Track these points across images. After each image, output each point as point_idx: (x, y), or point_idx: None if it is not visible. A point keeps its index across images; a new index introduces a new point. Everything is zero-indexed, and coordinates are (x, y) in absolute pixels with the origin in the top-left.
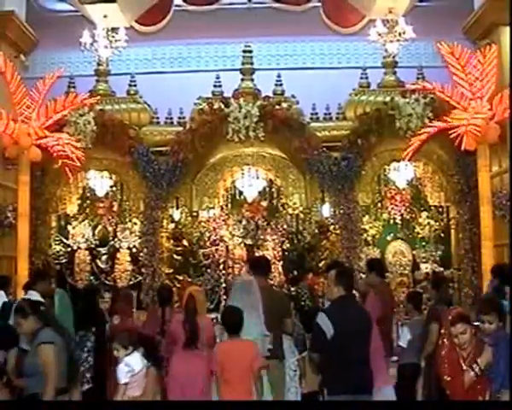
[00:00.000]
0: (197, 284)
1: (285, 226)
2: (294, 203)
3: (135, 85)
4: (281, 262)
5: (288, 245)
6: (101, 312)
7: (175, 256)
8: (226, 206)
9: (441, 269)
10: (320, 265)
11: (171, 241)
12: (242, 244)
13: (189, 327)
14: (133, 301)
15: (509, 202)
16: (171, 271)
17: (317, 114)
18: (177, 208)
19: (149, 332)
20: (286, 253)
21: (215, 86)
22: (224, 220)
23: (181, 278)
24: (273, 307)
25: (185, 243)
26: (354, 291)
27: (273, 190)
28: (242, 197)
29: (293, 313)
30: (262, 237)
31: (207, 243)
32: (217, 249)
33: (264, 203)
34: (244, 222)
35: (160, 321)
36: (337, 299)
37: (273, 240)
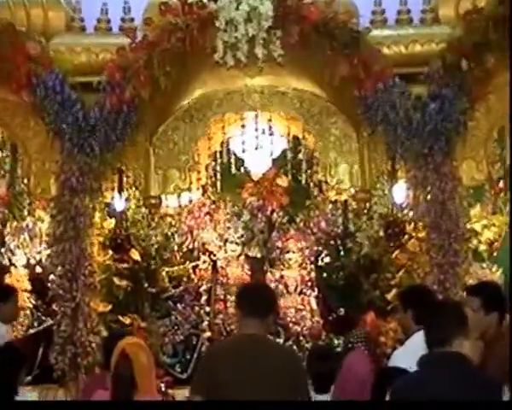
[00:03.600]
0: (156, 332)
1: (322, 225)
2: (340, 182)
3: None
4: (314, 292)
5: (327, 259)
6: None
7: (116, 281)
8: (213, 187)
9: None
10: (389, 296)
11: (110, 251)
12: (243, 258)
13: None
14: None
15: None
16: (110, 307)
17: (383, 13)
18: (121, 191)
19: None
20: (324, 274)
21: None
22: (208, 214)
23: (127, 320)
24: (273, 379)
25: (135, 254)
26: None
27: (300, 156)
28: (243, 171)
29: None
30: (279, 244)
31: (177, 256)
32: (195, 267)
33: (284, 182)
34: (246, 217)
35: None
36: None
37: (300, 250)
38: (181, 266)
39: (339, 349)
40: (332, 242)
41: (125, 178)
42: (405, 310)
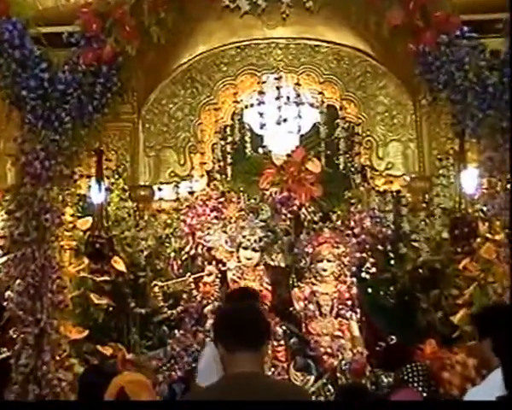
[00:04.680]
0: (147, 367)
1: (367, 224)
2: (390, 166)
3: None
4: (355, 314)
5: (373, 270)
6: None
7: (94, 299)
8: (222, 174)
9: None
10: (455, 318)
11: (86, 260)
12: (261, 268)
13: None
14: None
15: None
16: (85, 334)
17: None
18: (101, 180)
19: None
20: (369, 290)
21: None
22: (215, 209)
23: (108, 351)
24: None
25: (119, 264)
26: None
27: (337, 133)
28: (261, 153)
29: None
30: (310, 249)
31: (175, 266)
32: (198, 280)
33: (316, 167)
34: (265, 214)
35: None
36: None
37: (337, 258)
38: (179, 280)
39: (388, 390)
40: (380, 246)
41: (105, 163)
42: (481, 338)
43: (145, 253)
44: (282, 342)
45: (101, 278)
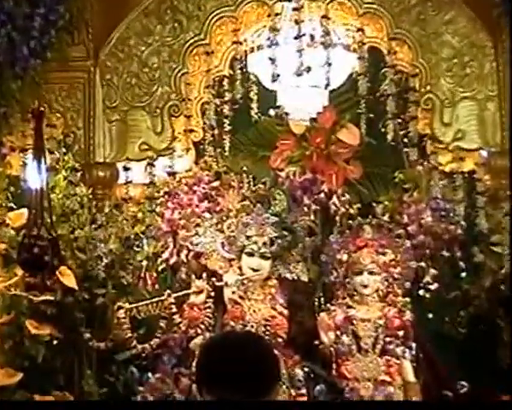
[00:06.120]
0: None
1: (427, 219)
2: (460, 136)
3: None
4: (410, 349)
5: (434, 286)
6: None
7: (31, 327)
8: (216, 147)
9: None
10: None
11: (18, 271)
12: (274, 283)
13: None
14: None
15: None
16: (19, 378)
17: None
18: (40, 155)
19: None
20: (429, 315)
21: None
22: (207, 198)
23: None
24: None
25: (68, 276)
26: None
27: (385, 87)
28: (274, 116)
29: None
30: (344, 256)
31: (148, 280)
32: (182, 301)
33: (352, 137)
34: (280, 204)
35: None
36: None
37: (384, 268)
38: (154, 300)
39: None
40: (445, 252)
41: (47, 131)
42: None
43: (105, 261)
44: (304, 391)
45: (42, 298)
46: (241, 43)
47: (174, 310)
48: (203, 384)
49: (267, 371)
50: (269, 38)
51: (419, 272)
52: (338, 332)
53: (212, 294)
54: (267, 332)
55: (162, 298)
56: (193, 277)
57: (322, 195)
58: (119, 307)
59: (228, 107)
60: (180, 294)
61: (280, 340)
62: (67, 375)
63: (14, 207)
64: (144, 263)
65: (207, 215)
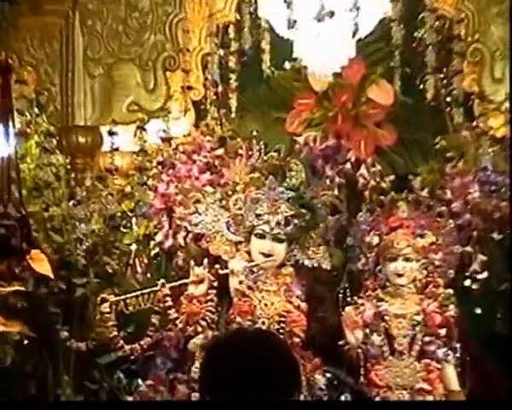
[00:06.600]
0: None
1: (474, 195)
2: None
3: None
4: (454, 352)
5: (484, 276)
6: None
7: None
8: (220, 107)
9: None
10: None
11: None
12: (290, 271)
13: None
14: None
15: None
16: None
17: None
18: (8, 117)
19: None
20: (478, 310)
21: None
22: (209, 169)
23: None
24: None
25: (42, 262)
26: None
27: (424, 35)
28: (289, 70)
29: None
30: (375, 239)
31: (138, 266)
32: (179, 293)
33: (385, 96)
34: (297, 176)
35: None
36: None
37: (423, 254)
38: (145, 292)
39: None
40: (496, 235)
41: (16, 88)
42: None
43: (86, 244)
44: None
45: (9, 289)
46: None
47: (169, 303)
48: (207, 394)
49: (284, 379)
50: None
51: (465, 259)
52: (367, 331)
53: (215, 284)
54: (281, 330)
55: (155, 289)
56: (192, 263)
57: (347, 165)
58: (103, 300)
59: (234, 59)
60: (176, 284)
61: (297, 340)
62: (40, 381)
63: None
64: (133, 247)
65: (209, 189)
